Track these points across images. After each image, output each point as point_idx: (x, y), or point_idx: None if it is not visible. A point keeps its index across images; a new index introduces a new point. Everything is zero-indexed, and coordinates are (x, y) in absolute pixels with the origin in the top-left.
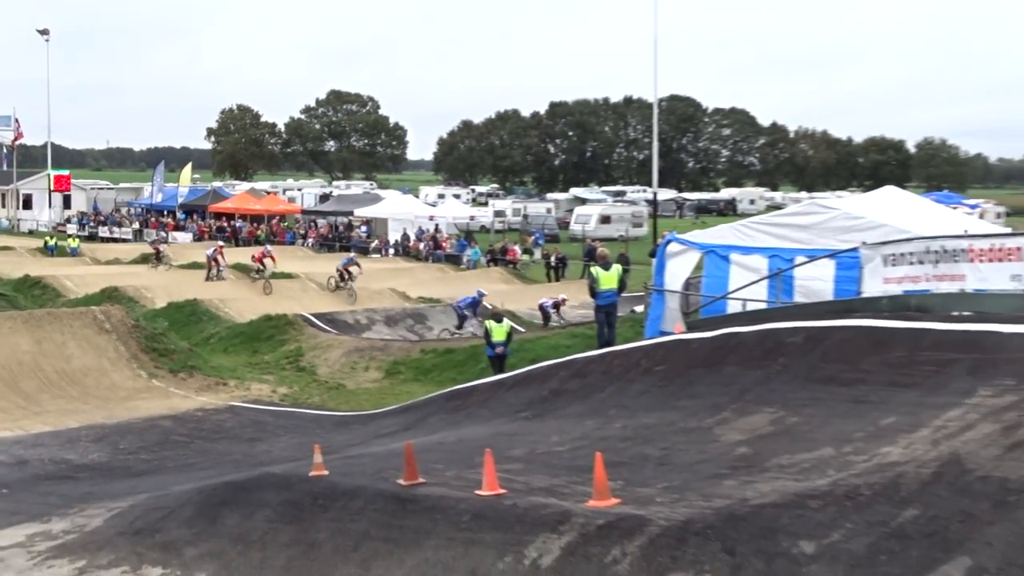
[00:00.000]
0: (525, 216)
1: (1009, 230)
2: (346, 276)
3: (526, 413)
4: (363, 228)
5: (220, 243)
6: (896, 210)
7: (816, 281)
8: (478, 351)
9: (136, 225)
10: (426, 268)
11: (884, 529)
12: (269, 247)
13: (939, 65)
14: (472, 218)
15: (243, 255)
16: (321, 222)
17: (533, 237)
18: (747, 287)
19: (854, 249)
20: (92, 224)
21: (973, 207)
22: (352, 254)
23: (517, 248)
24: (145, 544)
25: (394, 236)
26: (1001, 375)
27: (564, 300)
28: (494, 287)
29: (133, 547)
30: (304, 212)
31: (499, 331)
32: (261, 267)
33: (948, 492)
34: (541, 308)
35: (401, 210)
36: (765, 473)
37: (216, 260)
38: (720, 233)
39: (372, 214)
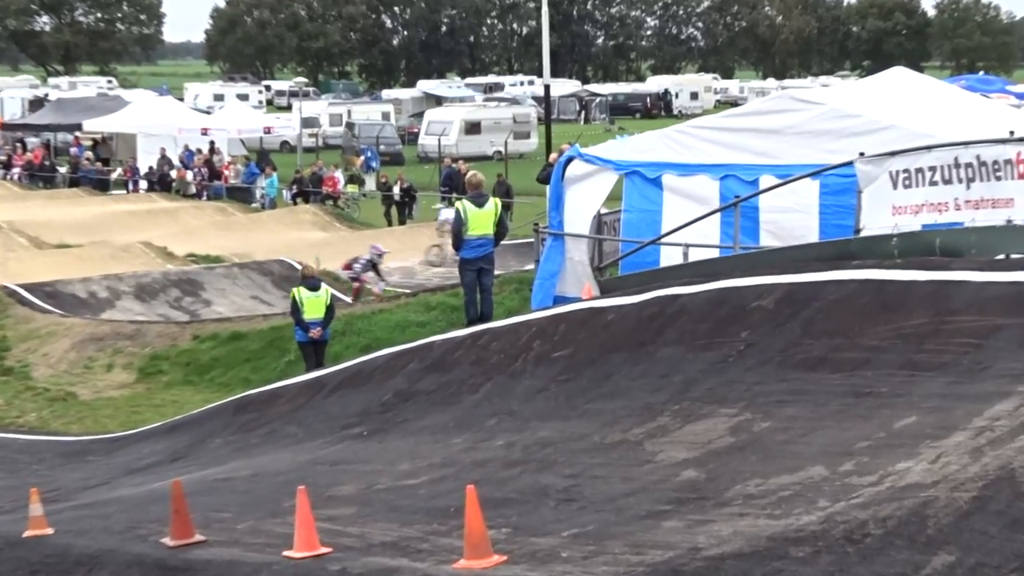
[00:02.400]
0: (350, 126)
1: None
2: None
3: (359, 429)
4: (77, 150)
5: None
6: (908, 103)
7: (792, 213)
8: (283, 335)
9: None
10: (198, 209)
11: None
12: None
13: None
14: (268, 130)
15: None
16: (32, 141)
17: (363, 158)
18: (689, 225)
19: (848, 163)
20: None
21: (1023, 97)
22: (376, 246)
23: (338, 175)
24: None
25: (146, 161)
26: None
27: (383, 252)
28: (304, 236)
29: None
30: (4, 127)
31: (313, 304)
32: None
33: (998, 527)
34: (349, 267)
35: (157, 121)
36: (725, 508)
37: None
38: (647, 144)
39: (111, 127)
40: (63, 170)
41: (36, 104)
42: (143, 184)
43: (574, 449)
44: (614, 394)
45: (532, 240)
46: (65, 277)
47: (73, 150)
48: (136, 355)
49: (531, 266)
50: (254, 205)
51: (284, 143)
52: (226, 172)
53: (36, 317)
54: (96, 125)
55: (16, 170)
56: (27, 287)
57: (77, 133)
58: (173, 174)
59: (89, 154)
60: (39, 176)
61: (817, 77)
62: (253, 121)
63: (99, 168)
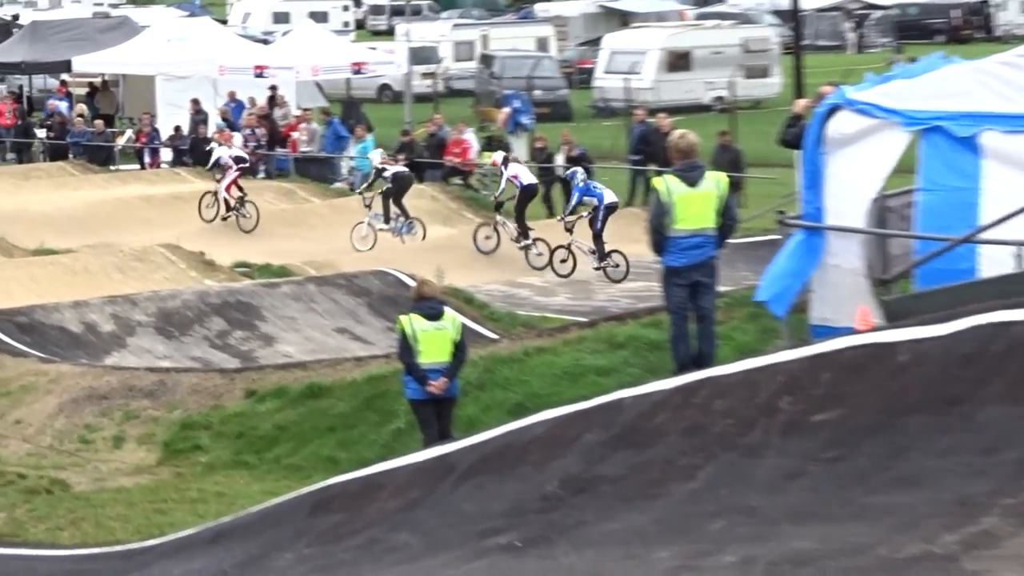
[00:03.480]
0: (486, 60)
1: None
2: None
3: (508, 537)
4: (63, 102)
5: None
6: None
7: None
8: (387, 389)
9: None
10: (254, 193)
11: None
12: None
13: None
14: (359, 68)
15: None
16: None
17: (508, 110)
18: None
19: None
20: None
21: None
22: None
23: (470, 137)
24: None
25: (170, 119)
26: None
27: None
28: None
29: None
30: None
31: (434, 341)
32: None
33: None
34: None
35: (185, 55)
36: None
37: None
38: (956, 84)
39: (115, 67)
40: (42, 134)
41: (1, 32)
42: (166, 154)
43: (848, 568)
44: (910, 480)
45: (776, 237)
46: (48, 300)
47: (56, 103)
48: (159, 422)
49: None
50: (338, 185)
51: (384, 88)
52: (295, 135)
53: (4, 362)
54: (92, 63)
55: None
56: None
57: (64, 76)
58: (213, 136)
59: (83, 108)
60: (6, 144)
61: None
62: (335, 55)
63: (98, 130)
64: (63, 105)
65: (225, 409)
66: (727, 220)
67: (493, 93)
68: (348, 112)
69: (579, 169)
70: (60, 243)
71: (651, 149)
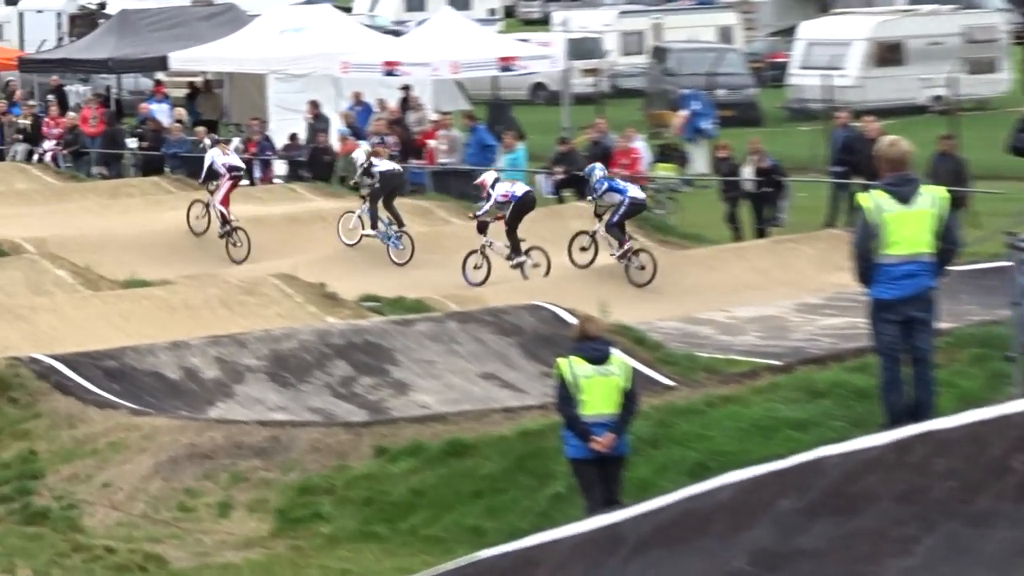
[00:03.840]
0: (659, 54)
1: None
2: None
3: None
4: (163, 106)
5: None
6: None
7: None
8: (544, 446)
9: None
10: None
11: None
12: None
13: None
14: (508, 64)
15: None
16: (78, 92)
17: (685, 114)
18: None
19: None
20: None
21: None
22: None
23: (640, 146)
24: None
25: (285, 126)
26: None
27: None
28: (578, 261)
29: None
30: (26, 65)
31: (600, 388)
32: None
33: None
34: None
35: (302, 50)
36: None
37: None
38: None
39: (220, 64)
40: (133, 143)
41: (83, 22)
42: (279, 168)
43: None
44: None
45: (1007, 263)
46: (140, 340)
47: (150, 107)
48: (273, 486)
49: (1004, 311)
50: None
51: (538, 87)
52: (432, 143)
53: (89, 415)
54: (193, 60)
55: (49, 145)
56: (72, 360)
57: (159, 75)
58: (335, 147)
59: (181, 113)
60: (91, 156)
61: None
62: (480, 48)
63: (199, 138)
64: (160, 109)
65: (351, 470)
66: (947, 244)
67: (667, 93)
68: (495, 116)
69: (597, 164)
70: (154, 273)
71: (856, 159)
